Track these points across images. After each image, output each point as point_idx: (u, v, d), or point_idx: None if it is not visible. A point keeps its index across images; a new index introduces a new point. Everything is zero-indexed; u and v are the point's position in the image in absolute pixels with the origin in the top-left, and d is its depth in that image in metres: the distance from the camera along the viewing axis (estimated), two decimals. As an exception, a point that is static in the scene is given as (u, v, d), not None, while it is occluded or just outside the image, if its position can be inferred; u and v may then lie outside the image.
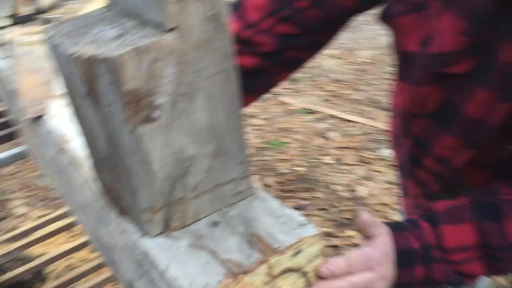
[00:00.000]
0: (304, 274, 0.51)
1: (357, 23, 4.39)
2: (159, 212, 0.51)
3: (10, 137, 1.23)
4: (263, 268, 0.47)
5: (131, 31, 0.45)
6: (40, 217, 2.17)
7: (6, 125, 1.28)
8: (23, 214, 2.43)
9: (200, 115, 0.49)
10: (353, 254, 0.56)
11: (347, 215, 2.13)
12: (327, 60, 3.93)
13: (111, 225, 0.58)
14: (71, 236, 2.13)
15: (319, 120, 3.05)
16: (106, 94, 0.44)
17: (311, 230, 0.50)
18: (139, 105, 0.45)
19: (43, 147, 0.82)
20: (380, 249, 0.60)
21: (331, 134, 2.83)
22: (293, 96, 3.45)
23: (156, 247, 0.50)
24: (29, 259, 1.74)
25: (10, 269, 1.62)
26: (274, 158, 2.70)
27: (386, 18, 0.52)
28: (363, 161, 2.53)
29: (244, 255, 0.48)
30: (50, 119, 0.84)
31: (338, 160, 2.59)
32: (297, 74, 3.73)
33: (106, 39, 0.44)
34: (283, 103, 3.37)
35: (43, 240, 1.77)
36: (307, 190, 2.34)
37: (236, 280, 0.45)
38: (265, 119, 3.17)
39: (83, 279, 1.55)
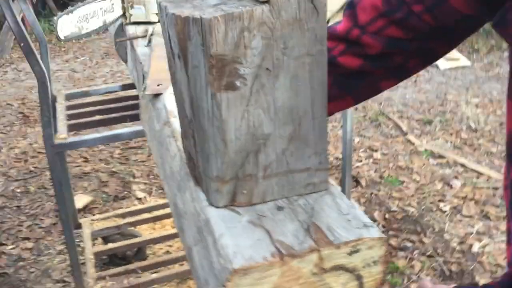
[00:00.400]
0: (359, 277, 0.48)
1: (505, 73, 4.07)
2: (228, 183, 0.52)
3: (137, 117, 1.36)
4: (313, 257, 0.45)
5: (230, 1, 0.47)
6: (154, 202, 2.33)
7: (137, 107, 1.41)
8: (141, 198, 2.63)
9: (281, 94, 0.49)
10: None
11: (453, 268, 1.95)
12: (464, 107, 3.69)
13: (186, 193, 0.60)
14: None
15: (444, 165, 2.86)
16: (195, 55, 0.47)
17: (375, 232, 0.47)
18: (223, 71, 0.46)
19: (154, 121, 0.89)
20: None
21: (454, 182, 2.63)
22: (420, 137, 3.28)
23: (218, 217, 0.51)
24: (134, 237, 1.88)
25: (115, 242, 1.77)
26: (387, 194, 2.59)
27: (500, 27, 0.48)
28: (485, 216, 2.30)
29: (297, 241, 0.47)
30: (165, 97, 0.91)
31: (455, 209, 2.39)
32: (429, 116, 3.55)
33: (206, 6, 0.47)
34: (409, 142, 3.22)
35: (150, 222, 1.90)
36: (414, 232, 2.20)
37: (282, 262, 0.44)
38: (385, 154, 3.06)
39: (177, 264, 1.62)
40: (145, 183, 2.80)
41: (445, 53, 0.66)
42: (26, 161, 3.11)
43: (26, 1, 1.72)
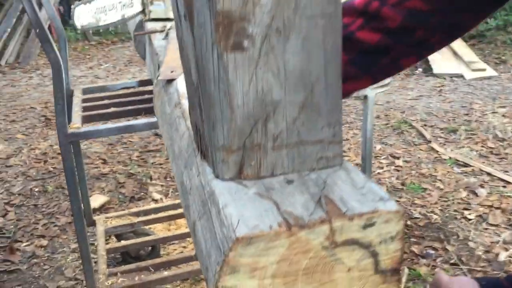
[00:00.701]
0: (374, 254, 0.44)
1: None
2: (235, 153, 0.49)
3: (153, 110, 1.34)
4: (323, 229, 0.41)
5: (238, -44, 0.45)
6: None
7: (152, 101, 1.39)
8: (157, 200, 2.62)
9: (292, 57, 0.46)
10: None
11: (479, 276, 1.87)
12: (490, 116, 3.59)
13: (192, 169, 0.58)
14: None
15: (469, 174, 2.77)
16: (201, 12, 0.44)
17: (391, 205, 0.43)
18: (231, 29, 0.43)
19: (166, 105, 0.87)
20: None
21: (480, 190, 2.54)
22: (445, 145, 3.20)
23: (223, 188, 0.48)
24: (147, 235, 1.86)
25: (127, 239, 1.75)
26: (409, 201, 2.52)
27: None
28: (512, 225, 2.21)
29: (306, 212, 0.43)
30: (178, 82, 0.89)
31: (481, 217, 2.31)
32: (454, 125, 3.47)
33: (213, -39, 0.45)
34: (432, 150, 3.14)
35: (165, 221, 1.88)
36: (437, 240, 2.12)
37: (290, 232, 0.41)
38: (407, 161, 2.99)
39: (192, 262, 1.59)
40: (162, 185, 2.78)
41: (471, 27, 0.62)
42: (45, 161, 3.14)
43: (53, 9, 1.73)
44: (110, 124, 1.22)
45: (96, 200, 2.53)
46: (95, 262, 1.72)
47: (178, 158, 0.67)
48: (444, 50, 5.19)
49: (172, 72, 0.96)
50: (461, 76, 4.65)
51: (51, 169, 3.03)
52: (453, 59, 5.02)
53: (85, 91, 1.51)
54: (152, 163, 3.09)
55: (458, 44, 5.26)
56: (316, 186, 0.48)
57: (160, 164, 3.07)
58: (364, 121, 1.66)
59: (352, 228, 0.42)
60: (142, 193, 2.70)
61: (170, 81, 0.93)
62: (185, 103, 0.75)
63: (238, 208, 0.45)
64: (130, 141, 3.48)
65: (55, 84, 1.09)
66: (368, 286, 0.45)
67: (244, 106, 0.47)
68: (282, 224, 0.41)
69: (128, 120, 1.27)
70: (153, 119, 1.23)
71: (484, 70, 4.71)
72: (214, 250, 0.44)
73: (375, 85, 1.59)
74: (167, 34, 1.39)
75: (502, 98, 3.98)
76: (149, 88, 1.53)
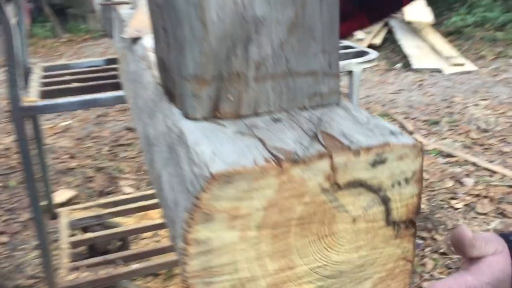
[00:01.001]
0: (385, 200, 0.35)
1: None
2: (209, 85, 0.39)
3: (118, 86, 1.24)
4: (322, 166, 0.32)
5: None
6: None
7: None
8: (129, 194, 2.49)
9: (280, -41, 0.37)
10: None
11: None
12: (472, 109, 3.58)
13: (158, 115, 0.48)
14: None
15: (454, 164, 2.73)
16: None
17: (406, 139, 0.35)
18: None
19: (130, 63, 0.77)
20: (488, 277, 0.42)
21: (466, 180, 2.51)
22: (427, 136, 3.16)
23: (195, 128, 0.39)
24: (115, 228, 1.74)
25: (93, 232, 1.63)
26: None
27: None
28: (501, 214, 2.17)
29: (300, 146, 0.34)
30: (144, 40, 0.79)
31: (469, 206, 2.27)
32: (436, 117, 3.44)
33: None
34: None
35: (136, 212, 1.76)
36: (425, 229, 2.07)
37: (280, 169, 0.32)
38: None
39: (165, 254, 1.48)
40: (134, 179, 2.66)
41: None
42: (8, 157, 2.97)
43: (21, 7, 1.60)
44: (72, 98, 1.10)
45: (62, 195, 2.39)
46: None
47: (142, 111, 0.57)
48: (423, 45, 5.20)
49: (138, 32, 0.86)
50: (440, 71, 4.66)
51: (14, 164, 2.86)
52: (432, 55, 5.03)
53: (46, 69, 1.38)
54: (124, 157, 2.96)
55: (437, 40, 5.28)
56: (310, 123, 0.39)
57: (132, 157, 2.94)
58: (350, 96, 1.58)
59: (358, 166, 0.33)
60: (112, 187, 2.57)
61: (135, 41, 0.83)
62: (151, 55, 0.65)
63: (213, 145, 0.35)
64: (100, 135, 3.33)
65: (6, 51, 0.97)
66: (377, 241, 0.36)
67: (219, 22, 0.38)
68: (270, 160, 0.32)
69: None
70: (120, 92, 1.11)
71: (462, 64, 4.73)
72: (182, 196, 0.34)
73: (360, 60, 1.52)
74: (134, 4, 1.29)
75: (483, 91, 3.99)
76: (118, 65, 1.42)
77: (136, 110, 0.63)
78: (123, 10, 1.20)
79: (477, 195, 2.35)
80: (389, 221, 0.35)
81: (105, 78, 1.31)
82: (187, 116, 0.41)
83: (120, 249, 1.80)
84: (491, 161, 2.72)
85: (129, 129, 3.38)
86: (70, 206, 1.95)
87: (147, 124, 0.52)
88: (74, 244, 1.51)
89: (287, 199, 0.32)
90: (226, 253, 0.32)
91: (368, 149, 0.33)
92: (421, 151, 0.35)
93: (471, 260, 0.41)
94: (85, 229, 1.76)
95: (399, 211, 0.35)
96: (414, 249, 0.37)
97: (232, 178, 0.31)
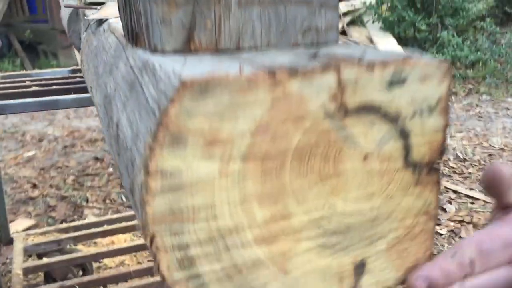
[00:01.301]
0: (404, 134, 0.27)
1: (486, 113, 4.09)
2: (181, 8, 0.32)
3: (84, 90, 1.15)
4: (328, 80, 0.25)
5: None
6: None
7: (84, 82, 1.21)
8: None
9: None
10: (472, 242, 0.31)
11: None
12: (448, 140, 3.60)
13: (119, 64, 0.40)
14: (129, 239, 1.97)
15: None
16: None
17: (429, 58, 0.28)
18: None
19: (92, 42, 0.70)
20: None
21: (448, 206, 2.47)
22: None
23: (163, 59, 0.31)
24: (74, 253, 1.60)
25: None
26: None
27: None
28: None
29: (297, 58, 0.27)
30: (110, 21, 0.72)
31: (453, 232, 2.22)
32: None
33: None
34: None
35: (99, 237, 1.64)
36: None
37: (273, 81, 0.24)
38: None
39: (131, 280, 1.36)
40: (99, 208, 2.51)
41: None
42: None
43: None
44: (29, 99, 1.00)
45: (19, 224, 2.23)
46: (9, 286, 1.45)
47: (102, 76, 0.49)
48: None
49: (104, 16, 0.80)
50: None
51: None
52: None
53: (3, 78, 1.28)
54: (90, 186, 2.81)
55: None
56: (306, 53, 0.31)
57: (99, 187, 2.80)
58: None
59: (372, 85, 0.26)
60: (75, 216, 2.41)
61: (101, 23, 0.76)
62: (113, 21, 0.58)
63: (183, 66, 0.27)
64: (66, 165, 3.18)
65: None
66: (393, 188, 0.28)
67: None
68: (260, 68, 0.24)
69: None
70: (83, 95, 1.02)
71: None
72: (144, 124, 0.26)
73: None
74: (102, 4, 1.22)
75: (458, 124, 4.03)
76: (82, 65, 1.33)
77: (96, 78, 0.55)
78: (90, 12, 1.13)
79: (461, 221, 2.31)
80: (409, 162, 0.28)
81: (69, 84, 1.22)
82: (155, 49, 0.33)
83: (85, 273, 1.66)
84: (471, 189, 2.71)
85: (97, 159, 3.25)
86: (27, 231, 1.80)
87: (106, 84, 0.44)
88: (29, 270, 1.37)
89: (281, 123, 0.25)
90: (201, 191, 0.24)
91: (384, 63, 0.26)
92: (449, 72, 0.28)
93: (507, 208, 0.32)
94: (41, 256, 1.62)
95: (420, 149, 0.28)
96: (438, 202, 0.30)
97: (210, 86, 0.23)
